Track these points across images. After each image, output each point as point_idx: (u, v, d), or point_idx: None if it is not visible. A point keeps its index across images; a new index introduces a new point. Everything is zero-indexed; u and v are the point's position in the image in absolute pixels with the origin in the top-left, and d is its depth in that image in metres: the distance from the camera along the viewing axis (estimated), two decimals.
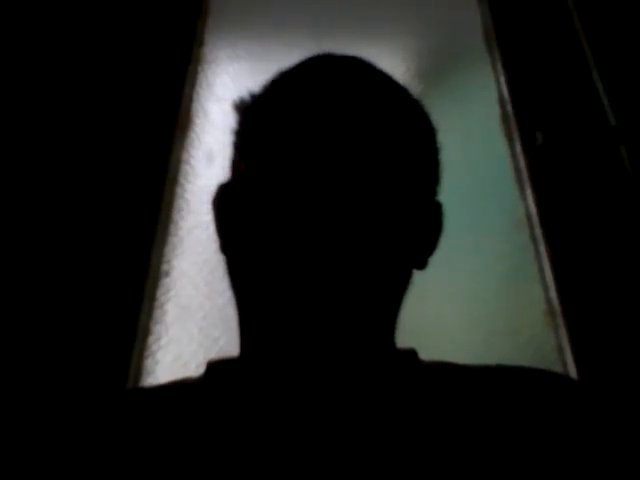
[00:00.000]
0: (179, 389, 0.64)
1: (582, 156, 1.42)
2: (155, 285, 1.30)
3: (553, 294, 1.29)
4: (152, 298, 1.28)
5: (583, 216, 1.35)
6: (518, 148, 1.45)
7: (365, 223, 0.57)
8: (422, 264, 0.66)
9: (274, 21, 1.66)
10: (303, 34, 1.61)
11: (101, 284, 1.24)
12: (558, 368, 1.22)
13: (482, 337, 1.25)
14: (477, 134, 1.49)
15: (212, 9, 1.66)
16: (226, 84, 1.56)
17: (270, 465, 0.55)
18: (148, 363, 1.23)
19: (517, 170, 1.45)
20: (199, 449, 0.56)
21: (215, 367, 0.65)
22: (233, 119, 0.67)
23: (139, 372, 1.21)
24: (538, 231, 1.36)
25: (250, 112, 0.66)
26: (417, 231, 0.62)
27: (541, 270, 1.33)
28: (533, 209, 1.38)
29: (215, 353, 1.22)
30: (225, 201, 0.65)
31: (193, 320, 1.28)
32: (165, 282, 1.32)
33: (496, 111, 1.52)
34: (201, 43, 1.61)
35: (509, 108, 1.50)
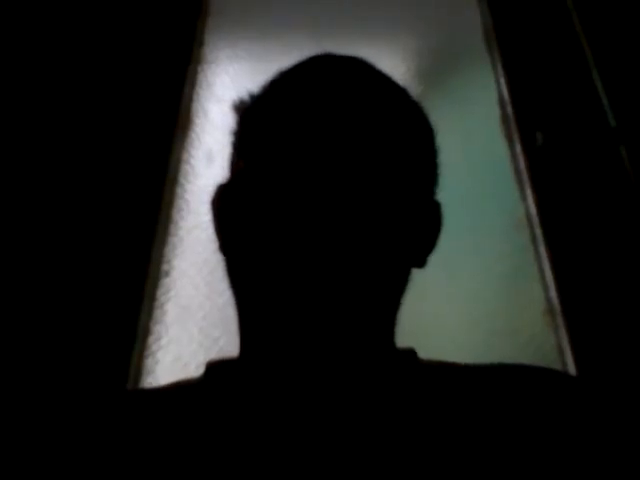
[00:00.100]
0: (179, 390, 0.64)
1: (582, 157, 1.42)
2: (155, 285, 1.30)
3: (553, 294, 1.29)
4: (152, 298, 1.28)
5: (583, 216, 1.35)
6: (518, 148, 1.46)
7: (364, 223, 0.57)
8: (421, 263, 0.66)
9: (274, 21, 1.67)
10: (303, 34, 1.61)
11: (101, 284, 1.24)
12: (558, 367, 1.21)
13: (482, 337, 1.25)
14: (477, 134, 1.49)
15: (212, 9, 1.66)
16: (226, 84, 1.56)
17: (271, 465, 0.55)
18: (148, 363, 1.23)
19: (517, 170, 1.45)
20: (200, 450, 0.57)
21: (215, 368, 0.65)
22: (232, 119, 0.67)
23: (139, 372, 1.21)
24: (538, 231, 1.36)
25: (249, 113, 0.66)
26: (416, 230, 0.62)
27: (541, 270, 1.33)
28: (533, 209, 1.38)
29: (215, 353, 1.23)
30: (224, 201, 0.65)
31: (193, 320, 1.28)
32: (165, 282, 1.32)
33: (496, 111, 1.52)
34: (201, 43, 1.61)
35: (509, 108, 1.50)
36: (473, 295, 1.31)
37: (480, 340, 1.25)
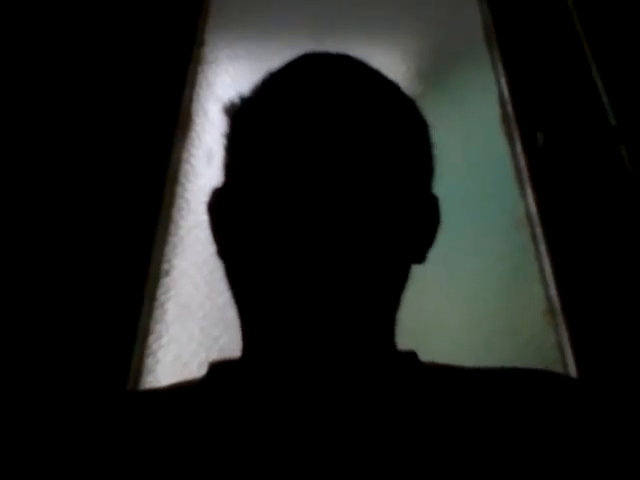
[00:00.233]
0: (182, 391, 0.64)
1: (582, 156, 1.42)
2: (155, 284, 1.30)
3: (553, 293, 1.29)
4: (152, 297, 1.28)
5: (583, 216, 1.35)
6: (518, 148, 1.45)
7: (361, 220, 0.57)
8: (421, 258, 0.66)
9: (274, 21, 1.66)
10: (303, 34, 1.61)
11: (101, 283, 1.24)
12: (558, 367, 1.22)
13: (482, 337, 1.25)
14: (477, 134, 1.49)
15: (212, 9, 1.66)
16: (226, 84, 1.56)
17: (273, 467, 0.55)
18: (149, 362, 1.23)
19: (517, 170, 1.45)
20: (203, 451, 0.56)
21: (217, 368, 0.65)
22: (224, 123, 0.67)
23: (139, 371, 1.21)
24: (538, 231, 1.36)
25: (240, 115, 0.65)
26: (414, 225, 0.62)
27: (541, 270, 1.33)
28: (533, 209, 1.38)
29: (215, 352, 1.23)
30: (220, 206, 0.65)
31: (193, 319, 1.28)
32: (165, 281, 1.32)
33: (496, 111, 1.52)
34: (201, 43, 1.61)
35: (509, 108, 1.50)
36: (473, 295, 1.31)
37: (480, 340, 1.25)
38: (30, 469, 0.57)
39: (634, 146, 1.41)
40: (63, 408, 0.62)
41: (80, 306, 1.22)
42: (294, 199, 0.57)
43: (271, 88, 0.64)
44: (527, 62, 1.54)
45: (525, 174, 1.42)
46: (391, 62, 1.53)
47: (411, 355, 0.65)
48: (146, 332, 1.25)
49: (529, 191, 1.40)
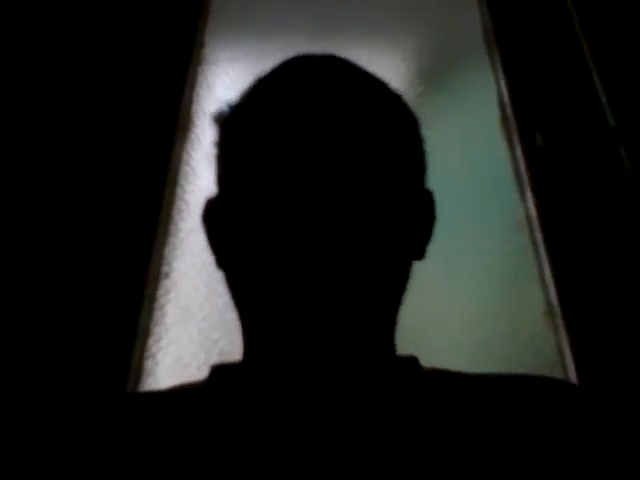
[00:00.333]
0: (184, 394, 0.64)
1: (581, 157, 1.42)
2: (155, 286, 1.30)
3: (553, 295, 1.29)
4: (152, 299, 1.29)
5: (583, 217, 1.35)
6: (518, 149, 1.46)
7: (357, 221, 0.57)
8: (420, 254, 0.66)
9: (274, 22, 1.67)
10: (303, 35, 1.61)
11: (101, 285, 1.24)
12: (558, 369, 1.22)
13: (482, 338, 1.25)
14: (477, 135, 1.49)
15: (212, 10, 1.67)
16: (226, 85, 1.56)
17: (275, 470, 0.55)
18: (148, 364, 1.23)
19: (517, 171, 1.45)
20: (205, 454, 0.56)
21: (219, 371, 0.65)
22: (214, 132, 0.67)
23: (139, 373, 1.21)
24: (538, 232, 1.36)
25: (230, 123, 0.65)
26: (410, 220, 0.62)
27: (541, 271, 1.33)
28: (533, 210, 1.38)
29: (215, 354, 1.23)
30: (214, 216, 0.65)
31: (193, 321, 1.28)
32: (165, 283, 1.32)
33: (496, 112, 1.52)
34: (201, 44, 1.61)
35: (509, 109, 1.51)
36: (473, 295, 1.31)
37: (480, 341, 1.25)
38: (30, 471, 0.57)
39: (633, 147, 1.41)
40: (63, 410, 0.62)
41: (80, 308, 1.22)
42: (289, 204, 0.57)
43: (258, 94, 0.64)
44: (526, 63, 1.54)
45: (524, 175, 1.42)
46: (391, 63, 1.53)
47: (411, 360, 0.65)
48: (146, 334, 1.25)
49: (529, 192, 1.40)
